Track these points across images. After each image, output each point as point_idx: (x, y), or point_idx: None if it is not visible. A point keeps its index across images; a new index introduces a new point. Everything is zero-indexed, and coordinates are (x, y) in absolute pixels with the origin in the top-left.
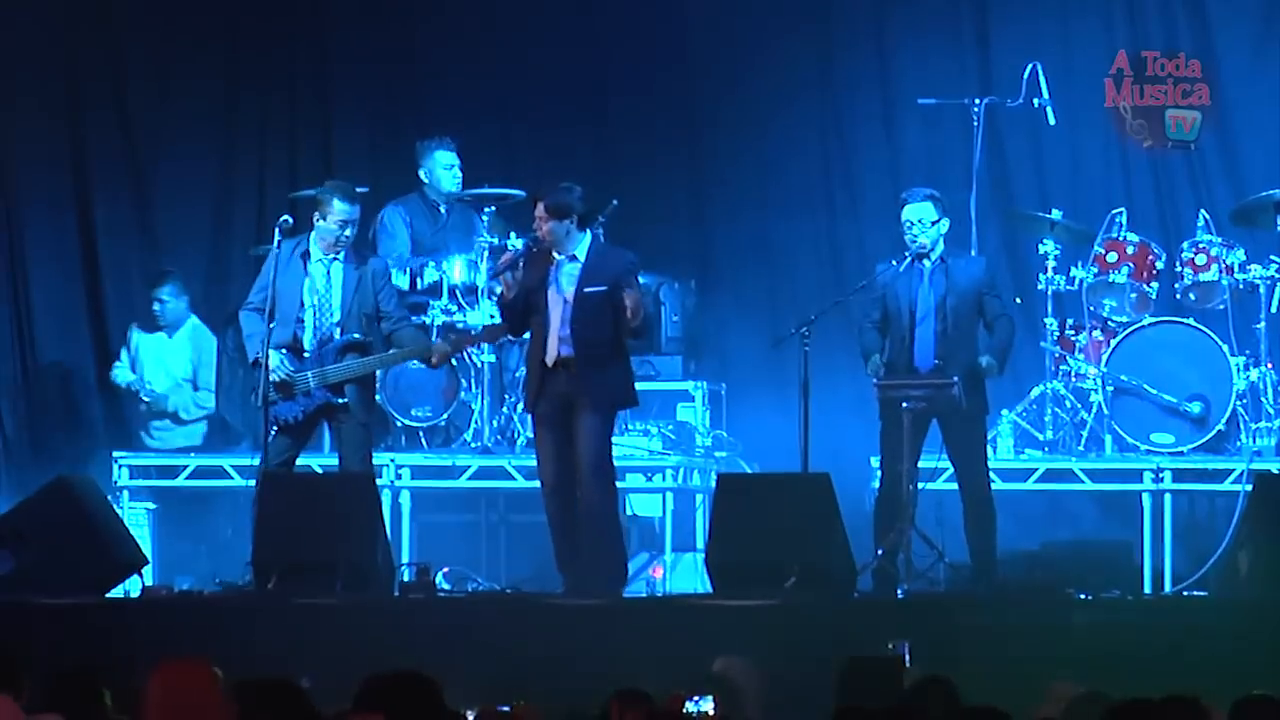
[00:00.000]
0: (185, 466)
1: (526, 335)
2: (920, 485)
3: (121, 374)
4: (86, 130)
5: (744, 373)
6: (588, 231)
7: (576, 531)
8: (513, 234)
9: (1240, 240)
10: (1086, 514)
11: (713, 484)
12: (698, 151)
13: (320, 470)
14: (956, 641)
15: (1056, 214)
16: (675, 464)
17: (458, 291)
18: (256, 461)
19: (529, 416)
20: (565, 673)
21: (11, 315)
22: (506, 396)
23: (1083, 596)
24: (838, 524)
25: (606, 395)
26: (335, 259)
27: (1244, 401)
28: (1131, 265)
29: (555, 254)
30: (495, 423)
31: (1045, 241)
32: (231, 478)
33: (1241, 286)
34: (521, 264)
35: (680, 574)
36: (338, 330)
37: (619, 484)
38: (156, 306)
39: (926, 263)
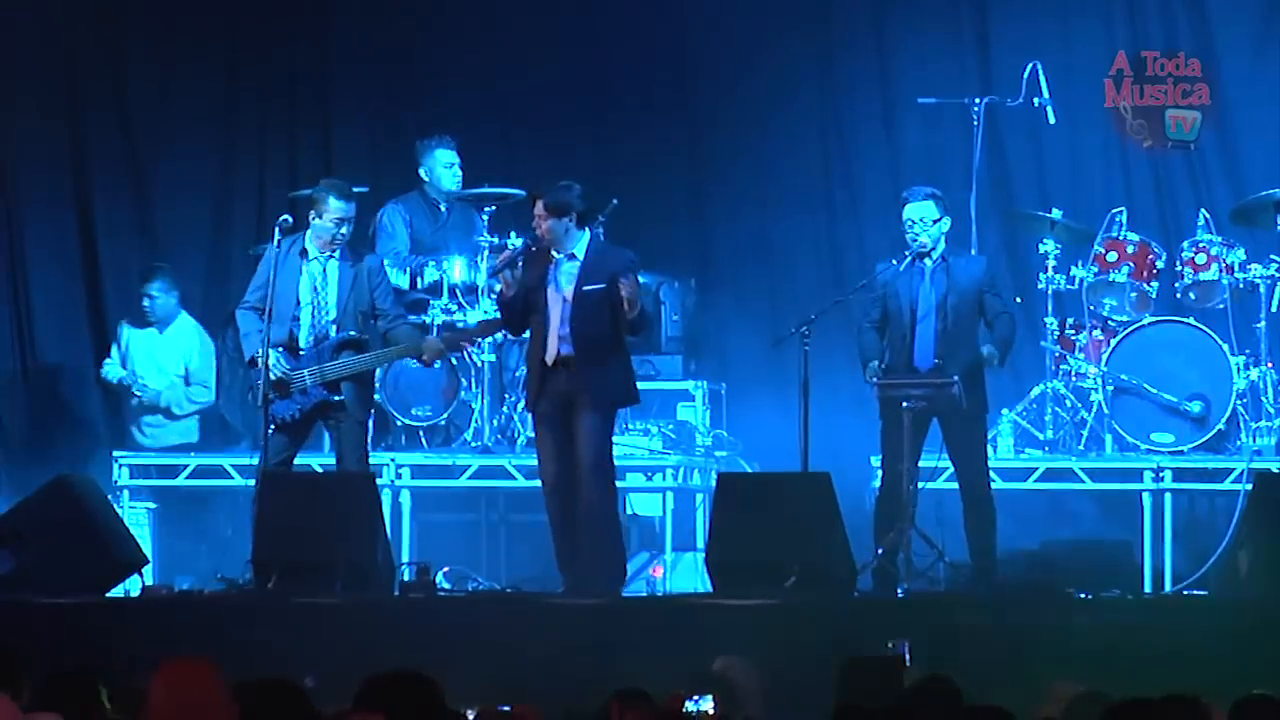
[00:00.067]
0: (185, 466)
1: (526, 334)
2: (920, 484)
3: (112, 370)
4: (86, 130)
5: (744, 372)
6: (587, 230)
7: (577, 531)
8: (513, 234)
9: (1240, 240)
10: (1086, 513)
11: (713, 483)
12: (698, 151)
13: (320, 469)
14: (956, 641)
15: (1057, 213)
16: (675, 463)
17: (458, 291)
18: (256, 461)
19: (529, 415)
20: (565, 673)
21: (11, 315)
22: (507, 396)
23: (1083, 596)
24: (838, 523)
25: (607, 393)
26: (331, 257)
27: (1244, 401)
28: (1131, 265)
29: (554, 252)
30: (495, 422)
31: (1045, 241)
32: (231, 477)
33: (1241, 286)
34: (520, 262)
35: (680, 574)
36: (334, 328)
37: (619, 483)
38: (146, 302)
39: (928, 261)
